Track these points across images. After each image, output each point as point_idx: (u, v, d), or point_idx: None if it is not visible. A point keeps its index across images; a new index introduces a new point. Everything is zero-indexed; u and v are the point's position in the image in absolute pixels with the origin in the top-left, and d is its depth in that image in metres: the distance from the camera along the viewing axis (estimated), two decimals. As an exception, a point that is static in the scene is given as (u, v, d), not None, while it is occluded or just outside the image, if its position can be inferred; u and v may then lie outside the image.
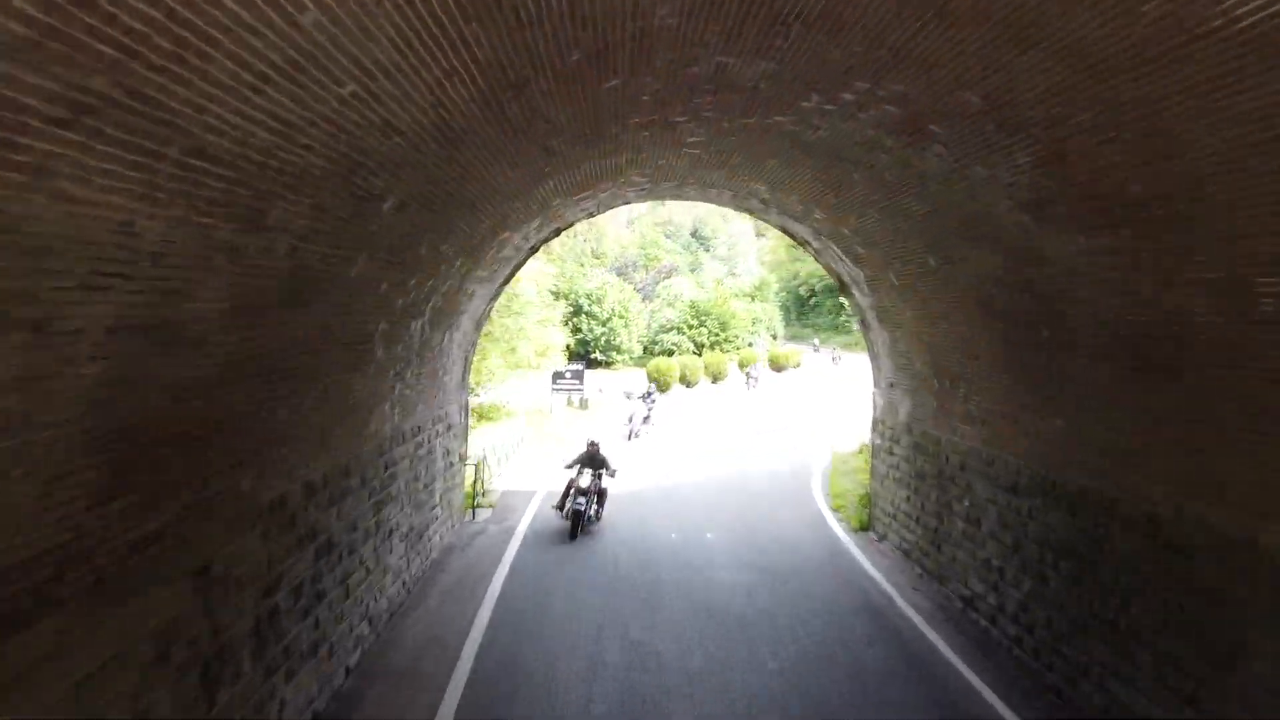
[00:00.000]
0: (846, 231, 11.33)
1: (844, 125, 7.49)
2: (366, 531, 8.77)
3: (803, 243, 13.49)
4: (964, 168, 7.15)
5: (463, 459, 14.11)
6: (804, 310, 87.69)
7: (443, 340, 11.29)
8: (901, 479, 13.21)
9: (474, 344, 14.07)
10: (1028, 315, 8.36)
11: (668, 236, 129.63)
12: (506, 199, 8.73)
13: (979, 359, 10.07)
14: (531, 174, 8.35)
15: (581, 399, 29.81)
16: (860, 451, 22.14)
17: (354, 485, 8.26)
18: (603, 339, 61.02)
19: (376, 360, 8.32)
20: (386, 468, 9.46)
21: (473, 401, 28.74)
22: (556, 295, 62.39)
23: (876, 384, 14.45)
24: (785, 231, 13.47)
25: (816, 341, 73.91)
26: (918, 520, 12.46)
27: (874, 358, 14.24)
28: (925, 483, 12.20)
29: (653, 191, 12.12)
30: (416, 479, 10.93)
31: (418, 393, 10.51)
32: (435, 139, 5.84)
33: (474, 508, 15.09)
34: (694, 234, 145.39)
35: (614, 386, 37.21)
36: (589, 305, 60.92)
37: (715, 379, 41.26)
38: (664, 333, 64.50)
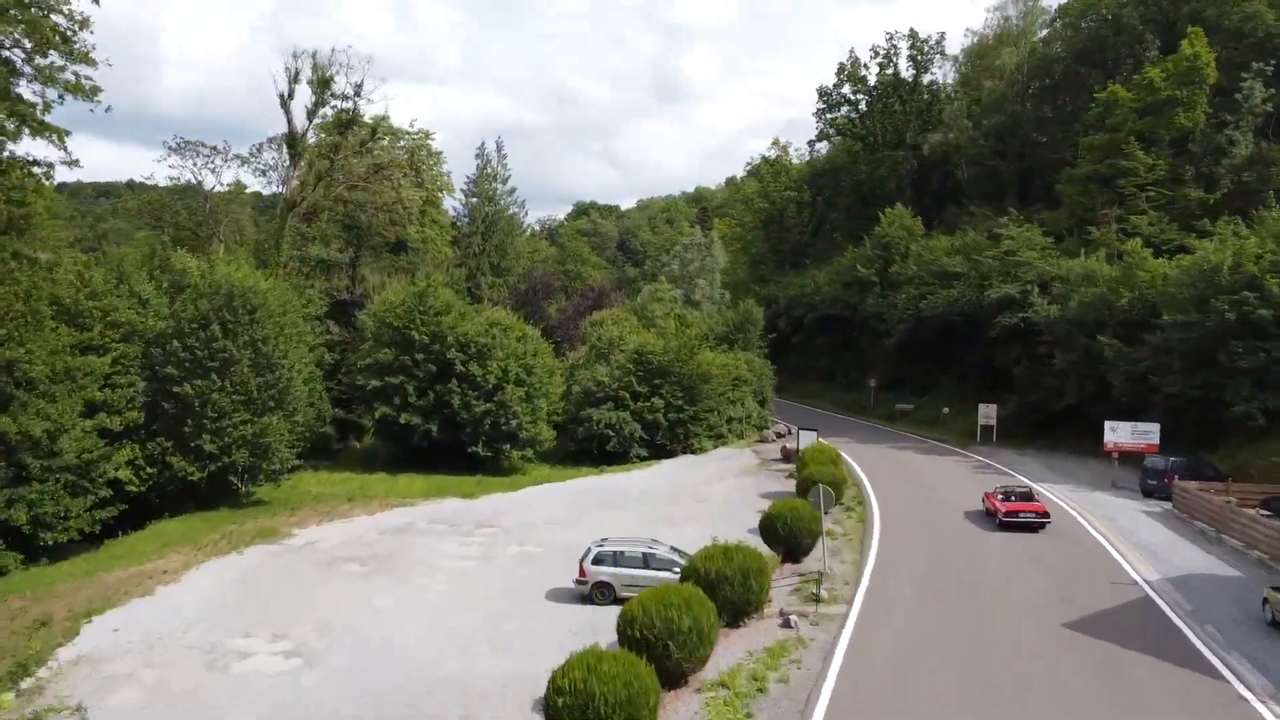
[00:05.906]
0: None
1: None
2: None
3: None
4: None
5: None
6: (783, 351, 62.80)
7: None
8: None
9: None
10: None
11: (595, 250, 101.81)
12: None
13: None
14: None
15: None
16: None
17: None
18: (487, 423, 35.31)
19: None
20: None
21: None
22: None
23: None
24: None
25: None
26: None
27: None
28: None
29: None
30: None
31: None
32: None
33: None
34: (620, 246, 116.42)
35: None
36: (462, 363, 35.21)
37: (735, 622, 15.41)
38: (592, 406, 39.09)
